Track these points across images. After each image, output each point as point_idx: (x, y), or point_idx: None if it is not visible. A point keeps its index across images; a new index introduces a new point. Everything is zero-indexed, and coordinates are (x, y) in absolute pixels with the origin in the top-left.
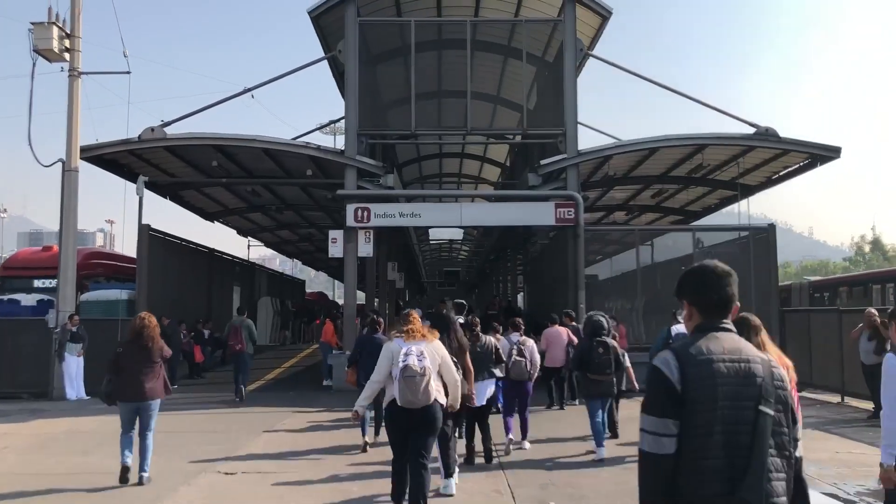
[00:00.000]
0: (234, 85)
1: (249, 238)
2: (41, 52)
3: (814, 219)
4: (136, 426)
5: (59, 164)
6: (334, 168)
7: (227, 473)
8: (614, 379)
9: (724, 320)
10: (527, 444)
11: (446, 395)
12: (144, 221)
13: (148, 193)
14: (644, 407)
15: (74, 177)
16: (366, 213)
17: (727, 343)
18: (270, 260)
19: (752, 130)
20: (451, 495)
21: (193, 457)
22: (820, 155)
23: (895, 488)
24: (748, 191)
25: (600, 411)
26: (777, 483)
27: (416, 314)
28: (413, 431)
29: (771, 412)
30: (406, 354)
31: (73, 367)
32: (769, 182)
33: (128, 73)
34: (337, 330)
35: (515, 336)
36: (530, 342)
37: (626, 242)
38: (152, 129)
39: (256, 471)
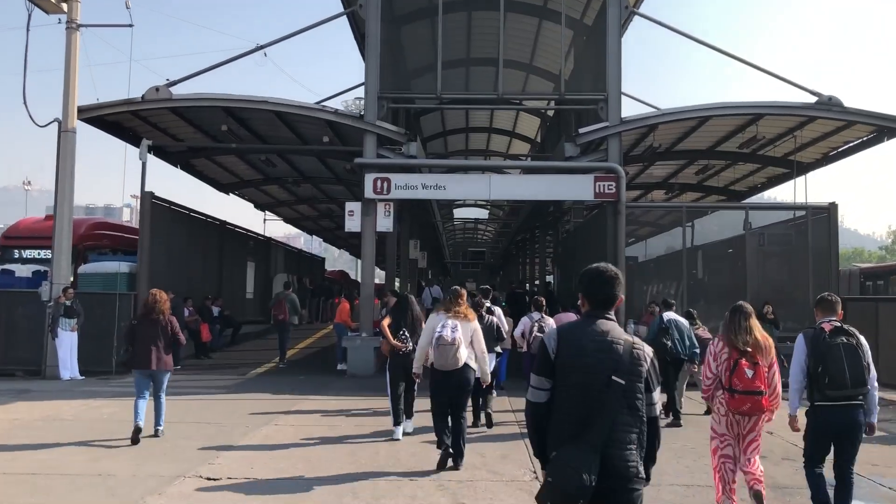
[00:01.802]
0: (248, 42)
1: (266, 212)
2: (37, 1)
3: (844, 207)
4: (150, 389)
5: (56, 124)
6: (353, 135)
7: (208, 479)
8: None
9: (607, 311)
10: None
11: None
12: (160, 194)
13: (159, 163)
14: (534, 367)
15: (72, 138)
16: (386, 184)
17: (601, 327)
18: (295, 238)
19: (813, 99)
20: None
21: (173, 456)
22: (889, 128)
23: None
24: (801, 169)
25: None
26: (624, 433)
27: (465, 295)
28: (450, 390)
29: (622, 381)
30: (442, 327)
31: (67, 344)
32: (825, 159)
33: (130, 25)
34: (353, 310)
35: (537, 314)
36: (550, 320)
37: (658, 225)
38: (157, 89)
39: (245, 477)
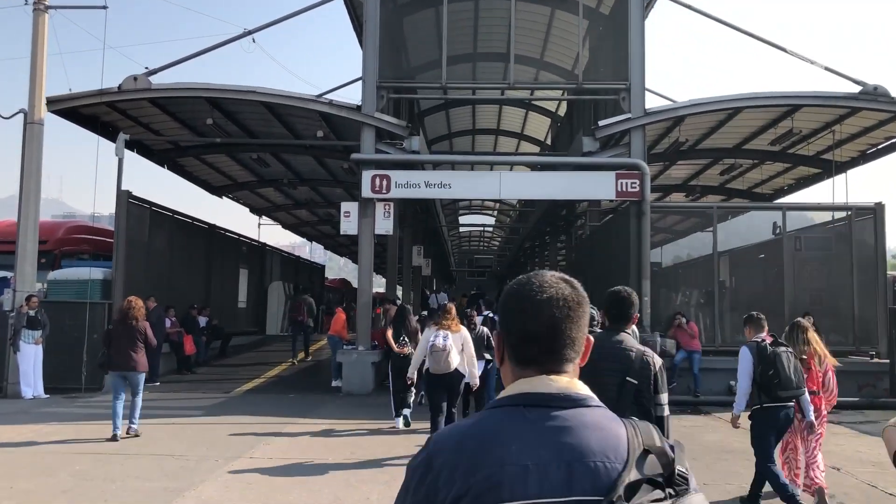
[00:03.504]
0: (237, 28)
1: (262, 217)
2: None
3: None
4: (126, 390)
5: (21, 115)
6: (350, 130)
7: None
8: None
9: (622, 326)
10: None
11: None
12: (156, 202)
13: (151, 168)
14: None
15: (38, 130)
16: (385, 182)
17: (617, 338)
18: (300, 248)
19: (856, 89)
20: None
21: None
22: None
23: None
24: (837, 168)
25: None
26: None
27: (453, 311)
28: (442, 390)
29: (635, 381)
30: (435, 336)
31: (30, 358)
32: (863, 157)
33: (104, 7)
34: (349, 321)
35: None
36: None
37: (673, 231)
38: (135, 79)
39: None
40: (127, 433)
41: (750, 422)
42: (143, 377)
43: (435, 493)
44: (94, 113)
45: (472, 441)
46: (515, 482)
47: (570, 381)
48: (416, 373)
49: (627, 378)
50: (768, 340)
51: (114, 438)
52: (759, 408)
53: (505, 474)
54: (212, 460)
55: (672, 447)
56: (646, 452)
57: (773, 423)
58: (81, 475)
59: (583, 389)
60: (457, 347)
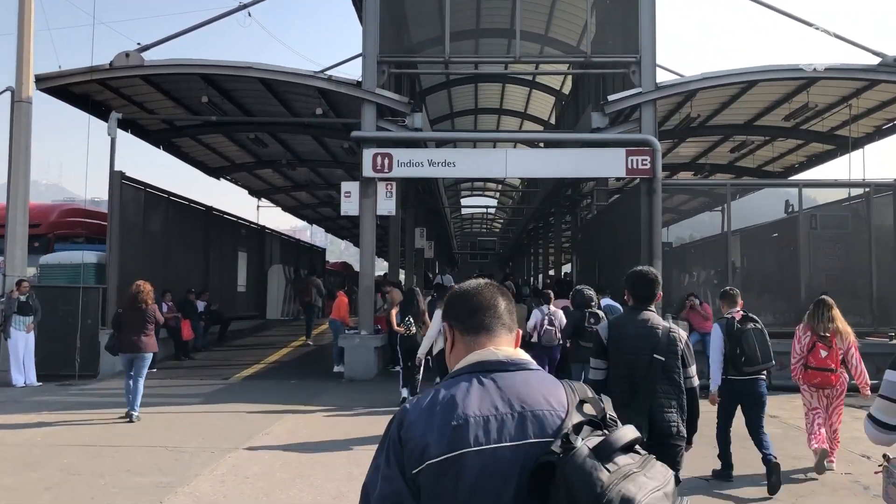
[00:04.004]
0: (233, 1)
1: (262, 199)
2: None
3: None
4: None
5: (8, 93)
6: (350, 107)
7: None
8: None
9: (647, 305)
10: None
11: None
12: (151, 184)
13: (141, 147)
14: (591, 353)
15: (27, 109)
16: (387, 161)
17: (643, 317)
18: (301, 231)
19: (875, 61)
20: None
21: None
22: None
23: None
24: (852, 145)
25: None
26: (665, 400)
27: None
28: None
29: (662, 358)
30: None
31: (21, 345)
32: (879, 132)
33: None
34: (351, 305)
35: (546, 308)
36: (560, 313)
37: (678, 211)
38: (127, 55)
39: None
40: (129, 418)
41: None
42: (149, 358)
43: (405, 445)
44: (85, 91)
45: (438, 402)
46: (478, 431)
47: (514, 351)
48: (425, 353)
49: (655, 355)
50: (737, 317)
51: (128, 418)
52: (725, 379)
53: (469, 426)
54: (208, 452)
55: (601, 398)
56: (581, 402)
57: (737, 395)
58: (69, 469)
59: (524, 356)
60: None
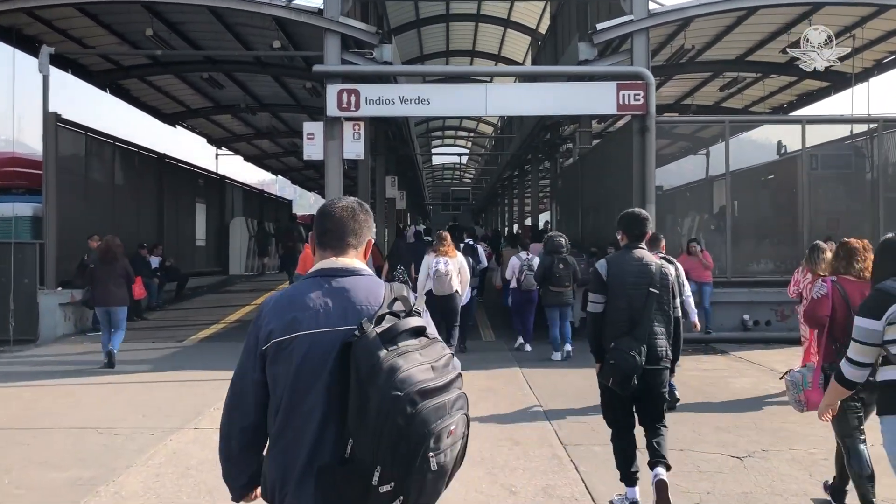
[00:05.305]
0: None
1: (221, 148)
2: None
3: None
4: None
5: None
6: (312, 41)
7: None
8: (572, 291)
9: (640, 242)
10: (528, 347)
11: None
12: (94, 128)
13: (87, 88)
14: (589, 288)
15: None
16: (354, 98)
17: (636, 254)
18: (269, 186)
19: None
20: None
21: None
22: None
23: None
24: (848, 80)
25: (558, 321)
26: (659, 328)
27: (448, 238)
28: (443, 310)
29: (656, 291)
30: (436, 262)
31: None
32: (879, 66)
33: None
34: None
35: (524, 254)
36: (537, 259)
37: (662, 155)
38: None
39: None
40: (109, 360)
41: None
42: (125, 311)
43: (260, 329)
44: (12, 23)
45: (286, 298)
46: (309, 319)
47: (350, 261)
48: (421, 296)
49: (651, 289)
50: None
51: (109, 364)
52: None
53: (304, 315)
54: (146, 434)
55: (413, 297)
56: (395, 300)
57: None
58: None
59: (359, 265)
60: (455, 271)
